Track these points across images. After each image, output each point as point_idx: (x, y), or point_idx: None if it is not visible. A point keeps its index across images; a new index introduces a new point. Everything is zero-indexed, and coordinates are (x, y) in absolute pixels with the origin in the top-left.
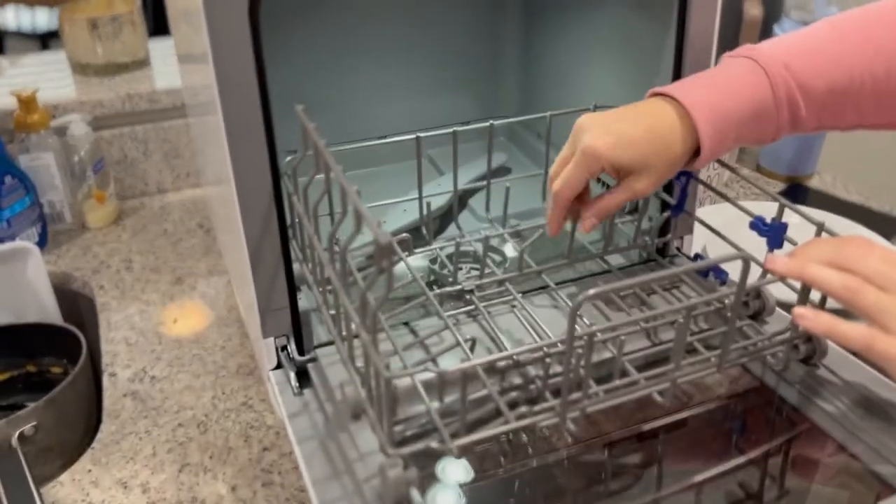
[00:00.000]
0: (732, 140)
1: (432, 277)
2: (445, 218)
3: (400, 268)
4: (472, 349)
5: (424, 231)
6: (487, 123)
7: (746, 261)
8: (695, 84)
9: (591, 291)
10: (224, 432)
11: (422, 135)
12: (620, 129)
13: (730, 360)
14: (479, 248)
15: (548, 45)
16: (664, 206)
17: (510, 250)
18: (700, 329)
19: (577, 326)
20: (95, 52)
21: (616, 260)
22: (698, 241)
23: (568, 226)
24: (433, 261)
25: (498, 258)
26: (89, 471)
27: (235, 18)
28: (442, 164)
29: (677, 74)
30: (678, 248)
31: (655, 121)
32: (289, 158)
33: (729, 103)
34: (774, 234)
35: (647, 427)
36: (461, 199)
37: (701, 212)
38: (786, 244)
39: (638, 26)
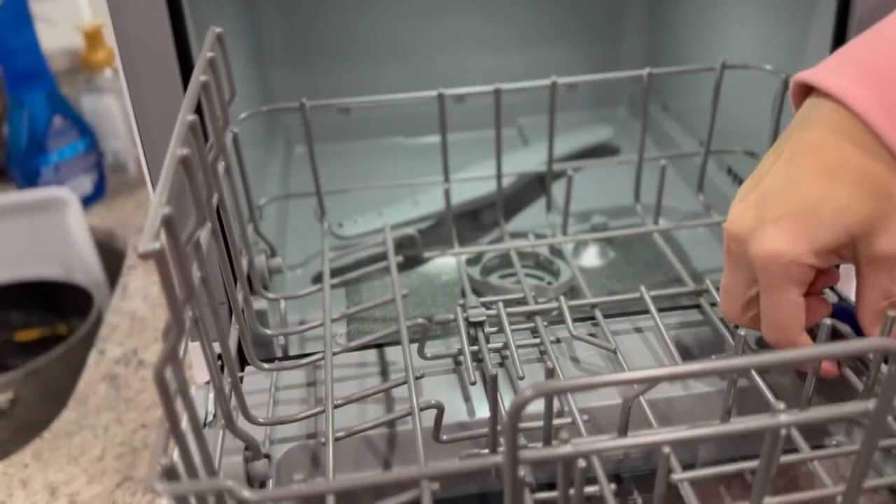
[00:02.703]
0: None
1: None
2: (517, 200)
3: (439, 262)
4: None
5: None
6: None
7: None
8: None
9: (529, 392)
10: None
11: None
12: (792, 199)
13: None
14: (544, 251)
15: None
16: None
17: (590, 258)
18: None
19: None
20: None
21: None
22: None
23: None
24: (473, 262)
25: (550, 274)
26: (26, 465)
27: None
28: (532, 135)
29: (842, 18)
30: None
31: (832, 153)
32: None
33: None
34: None
35: None
36: (537, 183)
37: None
38: None
39: None
